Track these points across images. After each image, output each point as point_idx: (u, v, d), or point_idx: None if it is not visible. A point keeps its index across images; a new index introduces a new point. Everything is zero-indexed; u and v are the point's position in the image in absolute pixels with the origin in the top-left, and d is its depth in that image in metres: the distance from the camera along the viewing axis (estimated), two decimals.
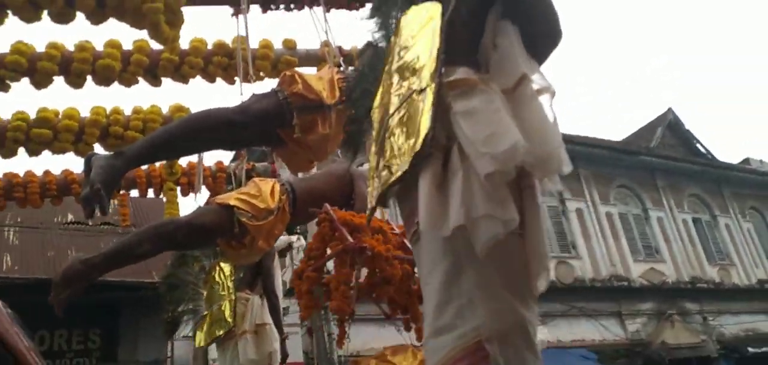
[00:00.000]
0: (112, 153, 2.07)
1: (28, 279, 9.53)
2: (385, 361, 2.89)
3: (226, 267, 3.78)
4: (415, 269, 2.92)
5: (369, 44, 2.32)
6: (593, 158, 14.93)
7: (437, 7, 1.45)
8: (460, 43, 1.41)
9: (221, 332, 3.71)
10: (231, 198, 2.85)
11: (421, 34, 1.50)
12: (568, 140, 14.07)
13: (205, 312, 3.96)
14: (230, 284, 3.71)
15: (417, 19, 1.57)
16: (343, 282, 2.74)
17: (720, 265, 15.94)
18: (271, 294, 3.77)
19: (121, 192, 4.26)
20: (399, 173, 1.42)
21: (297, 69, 2.62)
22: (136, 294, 10.39)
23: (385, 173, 1.49)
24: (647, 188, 15.73)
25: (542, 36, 1.43)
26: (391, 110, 1.52)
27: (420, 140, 1.34)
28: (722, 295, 15.32)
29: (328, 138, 2.44)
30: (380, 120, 1.61)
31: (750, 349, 14.44)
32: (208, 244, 3.12)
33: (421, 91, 1.40)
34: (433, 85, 1.37)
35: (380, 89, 1.68)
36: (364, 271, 2.96)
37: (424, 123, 1.35)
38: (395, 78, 1.58)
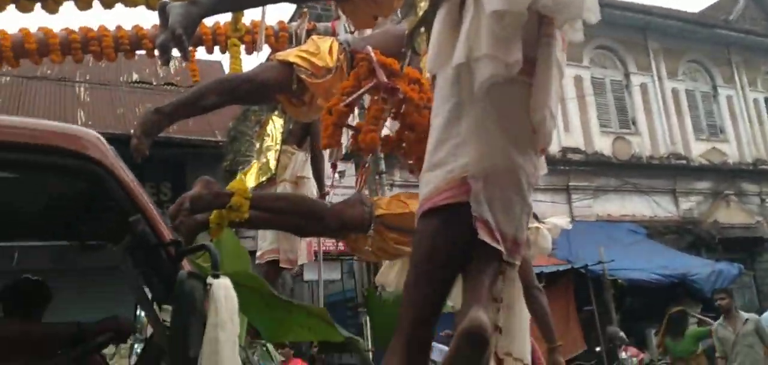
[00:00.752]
0: (186, 1, 2.14)
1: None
2: (399, 201, 2.98)
3: (278, 121, 3.81)
4: None
5: None
6: (665, 30, 14.13)
7: None
8: None
9: (264, 178, 3.72)
10: (291, 55, 2.87)
11: None
12: (640, 10, 13.19)
13: (254, 161, 4.10)
14: (279, 136, 3.77)
15: None
16: (374, 116, 2.81)
17: None
18: (317, 153, 3.86)
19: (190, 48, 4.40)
20: (421, 14, 1.47)
21: None
22: (200, 151, 11.01)
23: (413, 15, 1.53)
24: (720, 63, 14.90)
25: None
26: None
27: None
28: None
29: None
30: None
31: None
32: (269, 99, 3.18)
33: None
34: None
35: None
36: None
37: None
38: None
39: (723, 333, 6.49)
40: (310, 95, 2.94)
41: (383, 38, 3.19)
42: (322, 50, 2.93)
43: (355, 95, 2.90)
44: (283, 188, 3.65)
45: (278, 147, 3.69)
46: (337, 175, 3.46)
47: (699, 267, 11.04)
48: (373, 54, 2.90)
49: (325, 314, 2.05)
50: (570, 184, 12.61)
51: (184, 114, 2.99)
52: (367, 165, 3.24)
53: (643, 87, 13.89)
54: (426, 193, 1.39)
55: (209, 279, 1.44)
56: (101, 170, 1.59)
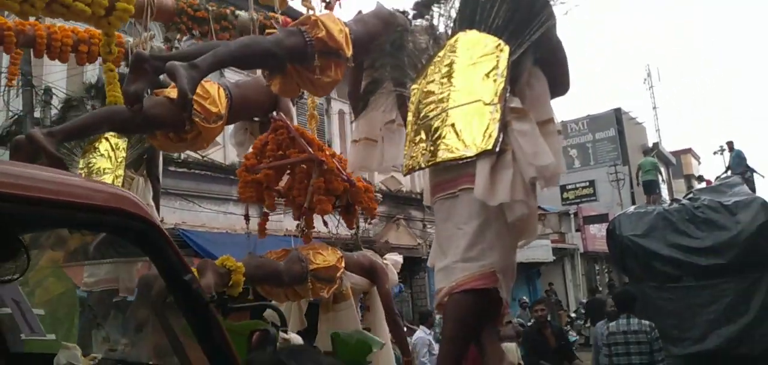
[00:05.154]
0: (187, 64, 2.58)
1: None
2: (319, 253, 3.86)
3: (118, 142, 3.98)
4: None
5: (401, 29, 3.18)
6: None
7: (506, 47, 2.50)
8: (513, 78, 2.51)
9: None
10: None
11: (485, 58, 2.53)
12: None
13: None
14: (120, 158, 3.95)
15: (480, 46, 2.58)
16: (318, 188, 3.62)
17: None
18: (155, 179, 4.20)
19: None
20: (461, 154, 2.50)
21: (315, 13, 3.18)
22: None
23: (442, 149, 2.55)
24: None
25: (558, 86, 2.63)
26: (451, 104, 2.57)
27: (492, 141, 2.43)
28: None
29: (336, 82, 3.21)
30: (423, 99, 2.63)
31: None
32: (152, 132, 3.48)
33: (489, 104, 2.47)
34: (500, 105, 2.46)
35: (425, 76, 2.69)
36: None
37: (494, 130, 2.43)
38: (456, 79, 2.60)
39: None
40: (195, 134, 3.39)
41: (257, 89, 3.87)
42: (212, 95, 3.43)
43: (284, 162, 3.56)
44: None
45: (120, 172, 3.85)
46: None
47: None
48: (289, 123, 3.60)
49: None
50: None
51: (77, 137, 3.20)
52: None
53: (341, 114, 16.25)
54: (464, 277, 2.44)
55: (282, 335, 1.97)
56: (152, 230, 1.75)
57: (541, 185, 2.56)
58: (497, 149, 2.42)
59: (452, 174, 2.61)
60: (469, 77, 2.61)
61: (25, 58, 9.29)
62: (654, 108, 47.95)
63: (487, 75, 2.52)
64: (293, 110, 4.17)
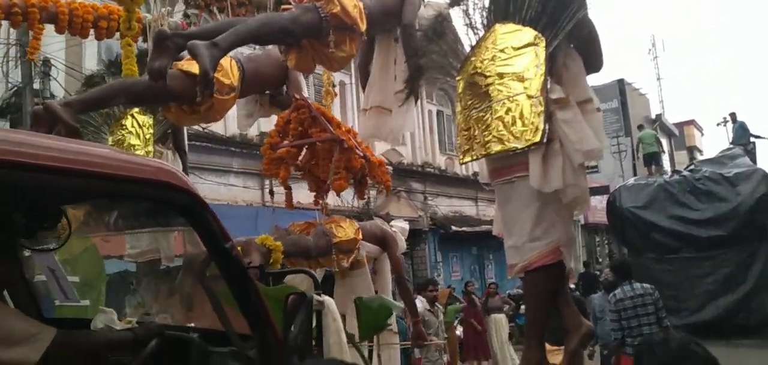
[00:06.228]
0: (208, 42, 2.74)
1: None
2: (340, 226, 4.13)
3: (144, 119, 4.15)
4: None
5: (440, 15, 3.38)
6: None
7: (542, 40, 2.72)
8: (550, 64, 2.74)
9: None
10: (195, 67, 3.24)
11: (524, 51, 2.75)
12: None
13: None
14: (148, 135, 4.13)
15: (518, 37, 2.80)
16: (343, 167, 3.85)
17: (448, 155, 19.92)
18: (182, 152, 4.42)
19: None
20: (512, 147, 2.77)
21: None
22: None
23: (494, 140, 2.83)
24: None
25: (591, 66, 2.86)
26: (496, 96, 2.82)
27: (539, 134, 2.70)
28: (443, 181, 19.36)
29: (350, 57, 3.38)
30: (467, 90, 2.85)
31: (453, 227, 18.83)
32: (166, 104, 3.65)
33: (533, 97, 2.71)
34: (542, 98, 2.72)
35: (469, 66, 2.91)
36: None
37: (539, 123, 2.70)
38: (499, 71, 2.85)
39: (429, 316, 8.49)
40: (207, 106, 3.54)
41: (270, 63, 4.03)
42: (224, 67, 3.56)
43: (306, 141, 3.76)
44: None
45: (150, 148, 4.03)
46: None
47: None
48: (309, 102, 3.78)
49: None
50: None
51: (93, 109, 3.38)
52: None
53: (341, 84, 16.35)
54: (534, 255, 2.79)
55: (316, 298, 2.18)
56: (195, 202, 1.92)
57: (586, 161, 2.87)
58: (544, 140, 2.72)
59: (505, 162, 2.95)
60: (511, 69, 2.87)
61: (22, 30, 9.43)
62: (658, 79, 47.61)
63: (528, 67, 2.77)
64: (303, 82, 4.35)
